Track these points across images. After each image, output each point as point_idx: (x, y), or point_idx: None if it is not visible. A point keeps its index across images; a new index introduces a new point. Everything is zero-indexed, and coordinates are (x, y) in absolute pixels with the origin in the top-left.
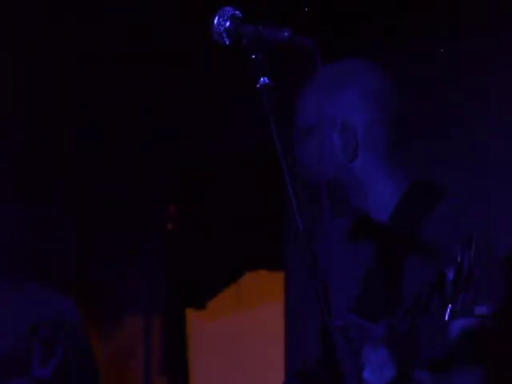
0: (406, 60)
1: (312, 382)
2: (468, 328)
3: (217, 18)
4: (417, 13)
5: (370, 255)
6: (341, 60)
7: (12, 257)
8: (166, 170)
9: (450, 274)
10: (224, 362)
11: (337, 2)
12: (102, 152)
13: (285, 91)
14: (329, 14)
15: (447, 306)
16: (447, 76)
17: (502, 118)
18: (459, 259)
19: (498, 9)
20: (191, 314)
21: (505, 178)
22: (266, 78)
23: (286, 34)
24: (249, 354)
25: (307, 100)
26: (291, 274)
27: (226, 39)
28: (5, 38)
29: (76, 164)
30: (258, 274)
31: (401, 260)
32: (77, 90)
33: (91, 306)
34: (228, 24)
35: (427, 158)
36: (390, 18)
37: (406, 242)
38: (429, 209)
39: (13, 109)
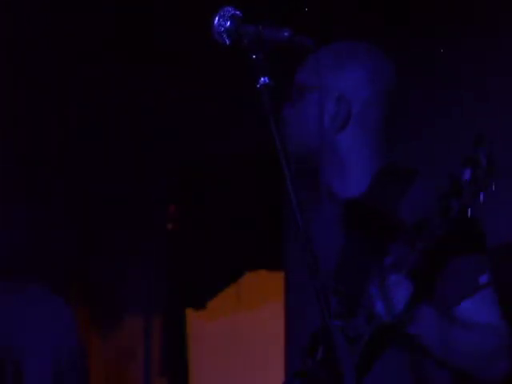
0: (406, 60)
1: (312, 381)
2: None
3: (217, 17)
4: (417, 13)
5: (356, 238)
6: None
7: (12, 257)
8: (165, 170)
9: (467, 173)
10: (224, 361)
11: (337, 2)
12: (102, 152)
13: (285, 91)
14: (329, 14)
15: (468, 207)
16: (447, 76)
17: (502, 118)
18: (474, 157)
19: (498, 9)
20: (191, 314)
21: (504, 178)
22: (266, 78)
23: (285, 34)
24: (249, 354)
25: (312, 62)
26: (291, 274)
27: (226, 39)
28: (5, 37)
29: (76, 164)
30: (258, 274)
31: (384, 241)
32: (77, 89)
33: (91, 306)
34: (228, 24)
35: (426, 158)
36: (390, 18)
37: (386, 222)
38: (402, 190)
39: (13, 109)
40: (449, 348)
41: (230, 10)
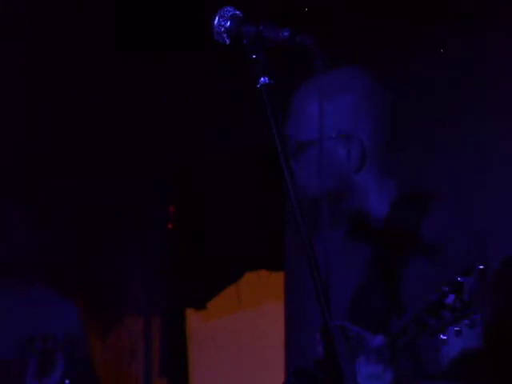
0: (406, 60)
1: (312, 382)
2: (468, 348)
3: (217, 18)
4: (417, 13)
5: (369, 257)
6: (335, 68)
7: (12, 257)
8: (165, 170)
9: (450, 298)
10: (224, 362)
11: (337, 2)
12: (102, 152)
13: (285, 91)
14: (329, 14)
15: (444, 328)
16: (447, 76)
17: (501, 118)
18: (460, 285)
19: (498, 9)
20: (191, 314)
21: (504, 178)
22: (266, 78)
23: (285, 33)
24: (249, 354)
25: (303, 112)
26: (291, 274)
27: (226, 39)
28: (5, 38)
29: (76, 164)
30: (257, 274)
31: (400, 260)
32: (77, 89)
33: (91, 306)
34: (228, 24)
35: (426, 159)
36: (390, 17)
37: (404, 242)
38: (421, 213)
39: (13, 109)
40: None
41: (230, 10)
